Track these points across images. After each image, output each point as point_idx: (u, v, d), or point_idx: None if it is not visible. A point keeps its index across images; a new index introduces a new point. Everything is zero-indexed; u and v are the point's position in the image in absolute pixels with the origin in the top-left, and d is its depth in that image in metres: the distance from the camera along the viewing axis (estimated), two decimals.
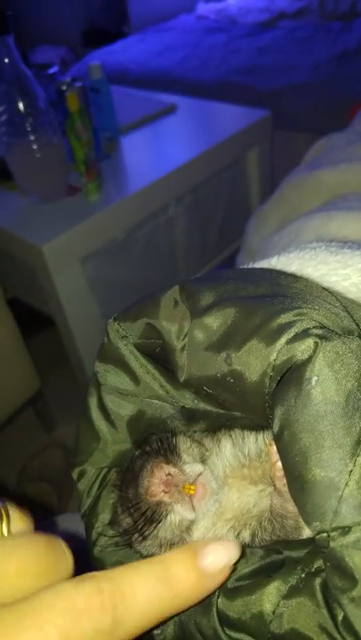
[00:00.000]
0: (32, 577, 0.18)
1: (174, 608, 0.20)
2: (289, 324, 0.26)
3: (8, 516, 0.21)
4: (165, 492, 0.29)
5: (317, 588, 0.23)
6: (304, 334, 0.25)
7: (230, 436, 0.33)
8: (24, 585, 0.18)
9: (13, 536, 0.20)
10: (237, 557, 0.22)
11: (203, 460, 0.31)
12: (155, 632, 0.28)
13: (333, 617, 0.22)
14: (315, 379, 0.23)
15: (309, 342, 0.24)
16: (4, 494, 1.17)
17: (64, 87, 1.12)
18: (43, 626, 0.17)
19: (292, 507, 0.28)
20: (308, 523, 0.23)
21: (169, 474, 0.29)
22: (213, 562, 0.21)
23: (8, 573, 0.18)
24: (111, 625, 0.18)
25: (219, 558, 0.21)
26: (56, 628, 0.17)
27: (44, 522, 0.58)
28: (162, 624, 0.27)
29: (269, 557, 0.26)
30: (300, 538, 0.29)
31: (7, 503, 0.21)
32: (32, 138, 0.96)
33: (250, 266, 0.40)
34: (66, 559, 0.20)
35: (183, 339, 0.29)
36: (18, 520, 0.21)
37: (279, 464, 0.26)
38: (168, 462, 0.30)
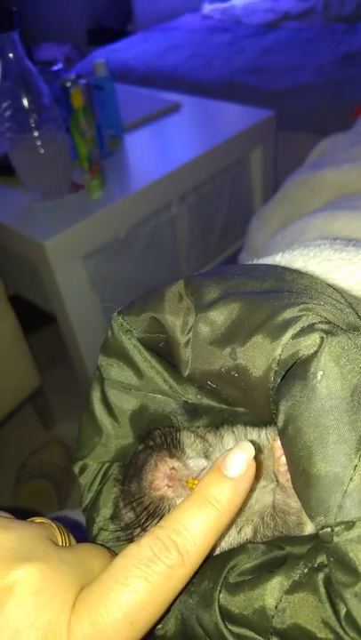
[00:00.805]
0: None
1: (226, 520, 0.24)
2: (294, 319, 0.25)
3: (66, 533, 0.26)
4: (169, 487, 0.29)
5: (320, 583, 0.23)
6: (310, 329, 0.25)
7: (233, 431, 0.33)
8: None
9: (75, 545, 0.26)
10: (253, 450, 0.25)
11: (206, 456, 0.31)
12: (155, 627, 0.27)
13: (336, 612, 0.22)
14: (320, 373, 0.23)
15: (315, 337, 0.24)
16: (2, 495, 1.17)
17: (68, 84, 1.12)
18: (126, 581, 0.21)
19: (294, 502, 0.28)
20: (311, 518, 0.23)
21: (173, 468, 0.29)
22: (238, 466, 0.24)
23: (94, 569, 0.23)
24: (179, 557, 0.22)
25: (240, 460, 0.24)
26: (137, 578, 0.21)
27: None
28: (162, 619, 0.27)
29: (271, 553, 0.26)
30: (303, 534, 0.29)
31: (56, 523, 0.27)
32: (36, 134, 0.96)
33: (255, 262, 0.40)
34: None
35: (188, 333, 0.29)
36: (71, 536, 0.27)
37: (283, 459, 0.26)
38: (172, 457, 0.30)
